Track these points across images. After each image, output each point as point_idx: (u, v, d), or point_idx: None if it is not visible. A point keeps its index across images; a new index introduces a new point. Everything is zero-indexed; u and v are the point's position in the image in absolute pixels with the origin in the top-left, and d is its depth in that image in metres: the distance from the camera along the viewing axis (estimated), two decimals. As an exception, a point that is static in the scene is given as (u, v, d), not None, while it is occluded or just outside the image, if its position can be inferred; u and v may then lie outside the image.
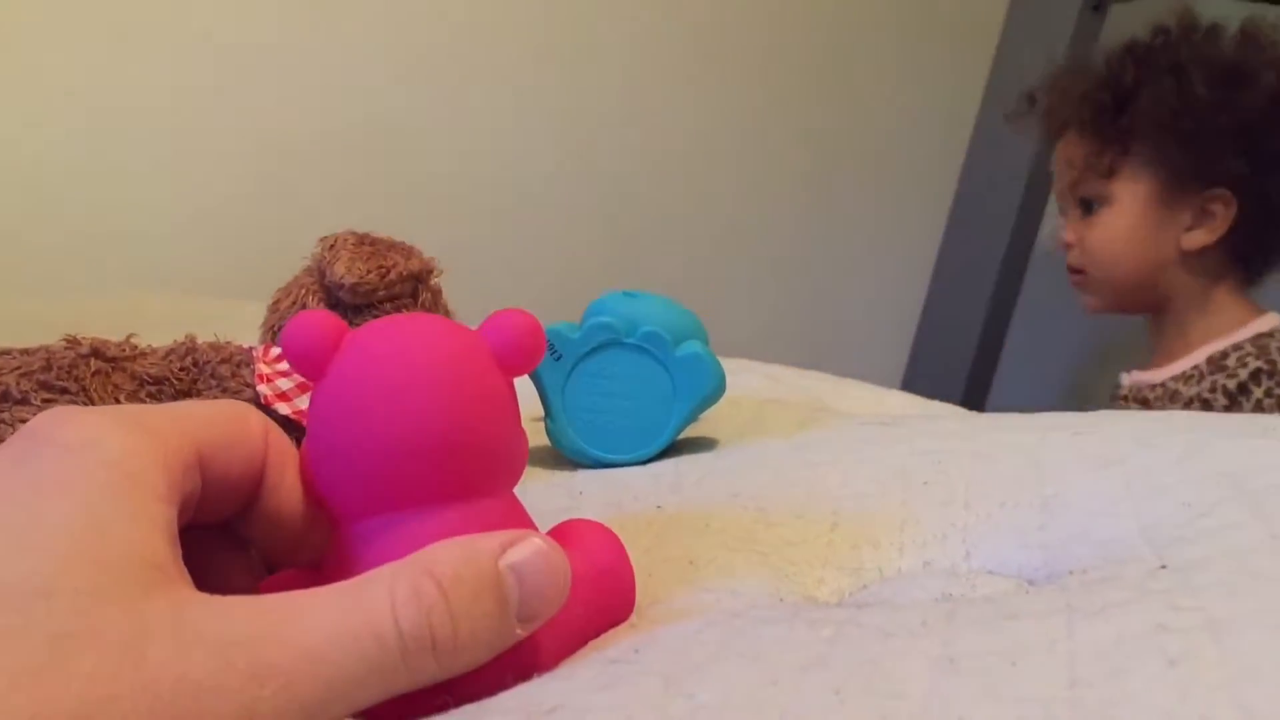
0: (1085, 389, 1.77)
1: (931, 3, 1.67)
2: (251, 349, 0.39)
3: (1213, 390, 1.05)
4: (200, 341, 0.39)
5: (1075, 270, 1.20)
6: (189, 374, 0.37)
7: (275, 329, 0.42)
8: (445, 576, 0.23)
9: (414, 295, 0.41)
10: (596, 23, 1.45)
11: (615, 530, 0.30)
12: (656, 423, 0.41)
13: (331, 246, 0.41)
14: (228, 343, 0.39)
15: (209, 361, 0.38)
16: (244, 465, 0.25)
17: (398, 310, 0.40)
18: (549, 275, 1.39)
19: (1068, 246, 1.21)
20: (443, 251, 0.44)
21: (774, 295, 1.60)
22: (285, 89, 1.31)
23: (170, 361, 0.37)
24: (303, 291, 0.42)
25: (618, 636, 0.27)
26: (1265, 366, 1.03)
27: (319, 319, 0.25)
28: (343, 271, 0.39)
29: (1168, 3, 1.32)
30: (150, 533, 0.21)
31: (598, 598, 0.27)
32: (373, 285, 0.40)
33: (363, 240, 0.41)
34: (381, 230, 0.43)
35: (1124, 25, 1.29)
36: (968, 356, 1.43)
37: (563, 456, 0.42)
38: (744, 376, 0.64)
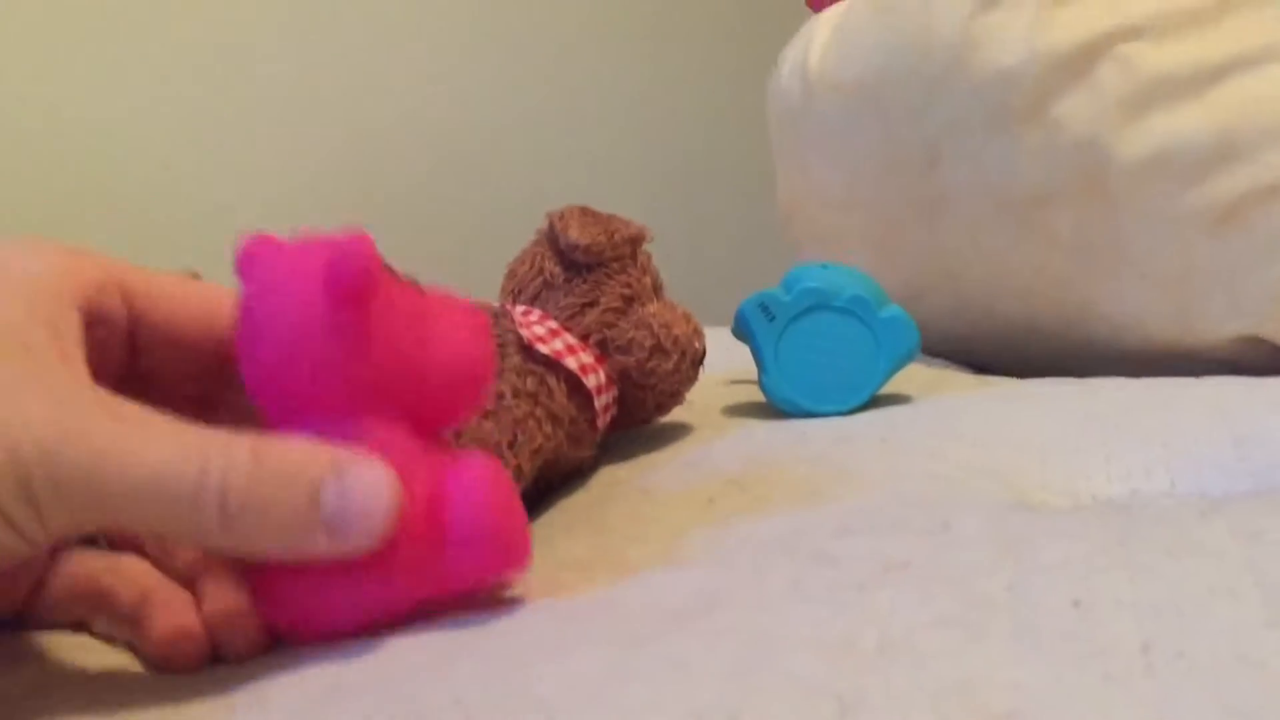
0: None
1: None
2: (504, 305, 0.45)
3: None
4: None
5: None
6: None
7: (514, 292, 0.47)
8: (267, 452, 0.24)
9: (633, 256, 0.46)
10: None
11: (854, 454, 0.34)
12: (861, 377, 0.46)
13: (561, 217, 0.46)
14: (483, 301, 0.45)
15: None
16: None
17: (623, 269, 0.45)
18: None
19: None
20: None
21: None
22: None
23: None
24: (538, 258, 0.47)
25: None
26: None
27: None
28: (576, 235, 0.45)
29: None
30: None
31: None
32: (602, 246, 0.45)
33: (586, 211, 0.46)
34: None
35: None
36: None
37: (774, 409, 0.47)
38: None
